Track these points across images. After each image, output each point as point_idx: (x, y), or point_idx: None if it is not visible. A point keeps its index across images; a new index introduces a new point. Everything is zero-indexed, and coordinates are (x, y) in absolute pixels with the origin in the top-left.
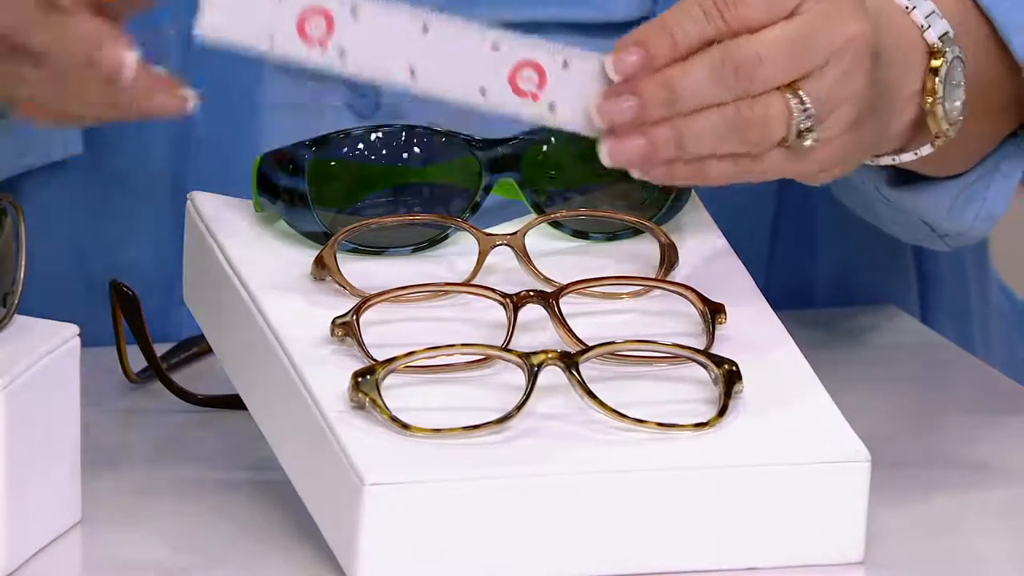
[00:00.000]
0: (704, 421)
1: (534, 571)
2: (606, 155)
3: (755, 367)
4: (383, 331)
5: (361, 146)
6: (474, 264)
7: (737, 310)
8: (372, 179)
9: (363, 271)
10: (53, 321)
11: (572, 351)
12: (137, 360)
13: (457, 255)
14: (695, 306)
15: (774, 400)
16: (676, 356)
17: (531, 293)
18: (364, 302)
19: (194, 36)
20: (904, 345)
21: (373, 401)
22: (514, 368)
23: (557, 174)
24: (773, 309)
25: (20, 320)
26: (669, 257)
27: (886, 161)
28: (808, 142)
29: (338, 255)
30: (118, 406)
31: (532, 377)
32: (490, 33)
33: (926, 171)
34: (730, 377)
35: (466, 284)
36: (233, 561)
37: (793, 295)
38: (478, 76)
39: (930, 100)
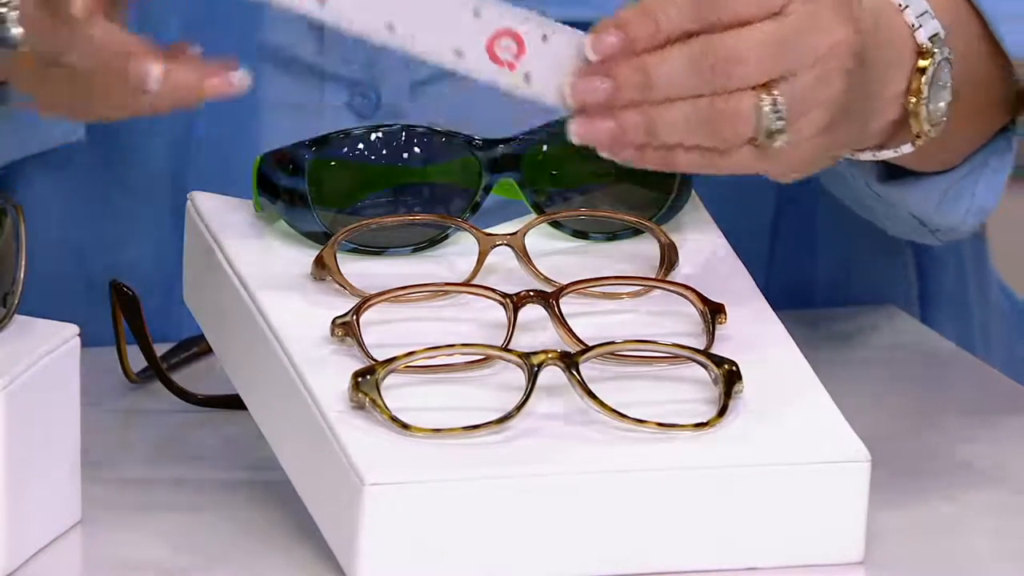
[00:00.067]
0: (704, 421)
1: (534, 571)
2: (574, 132)
3: (755, 367)
4: (383, 331)
5: (361, 146)
6: (474, 264)
7: (737, 310)
8: (372, 179)
9: (363, 271)
10: (53, 321)
11: (572, 351)
12: (137, 360)
13: (457, 255)
14: (695, 306)
15: (774, 400)
16: (676, 356)
17: (531, 293)
18: (364, 302)
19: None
20: (904, 345)
21: (373, 401)
22: (514, 368)
23: (557, 174)
24: (773, 309)
25: (20, 320)
26: (669, 257)
27: (867, 157)
28: (778, 143)
29: (338, 255)
30: (118, 406)
31: (532, 377)
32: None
33: (913, 166)
34: (730, 377)
35: (466, 284)
36: (233, 561)
37: (793, 295)
38: (456, 38)
39: (914, 100)
